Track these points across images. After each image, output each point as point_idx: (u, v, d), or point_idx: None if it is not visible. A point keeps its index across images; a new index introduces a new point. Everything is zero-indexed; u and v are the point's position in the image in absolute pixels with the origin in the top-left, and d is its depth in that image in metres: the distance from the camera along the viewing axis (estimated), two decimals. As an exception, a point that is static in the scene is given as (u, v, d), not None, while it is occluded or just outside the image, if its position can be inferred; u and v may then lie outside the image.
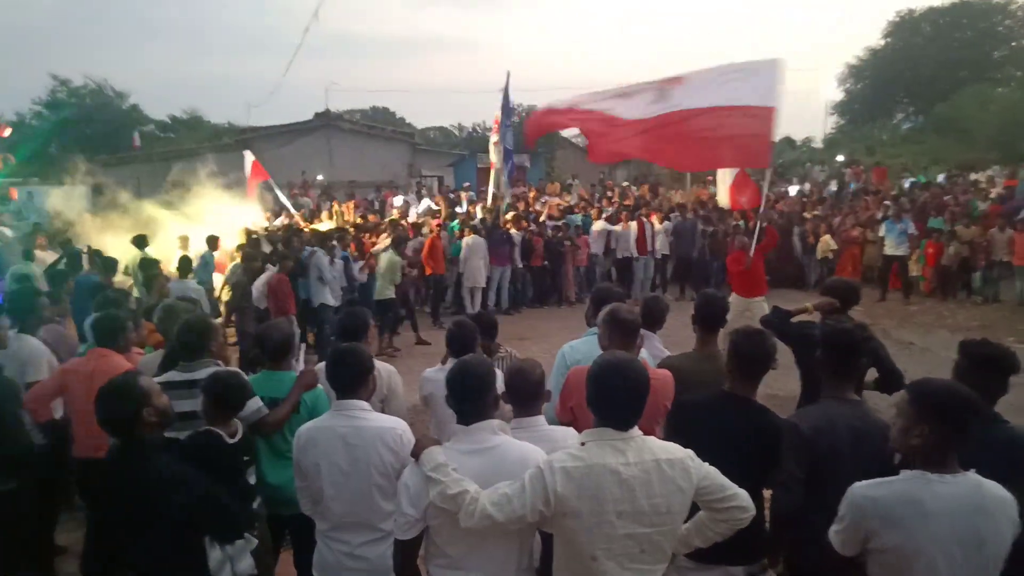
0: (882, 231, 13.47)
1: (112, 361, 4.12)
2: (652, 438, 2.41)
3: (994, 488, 2.26)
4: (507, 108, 13.91)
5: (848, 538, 2.37)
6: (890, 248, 13.19)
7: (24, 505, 3.99)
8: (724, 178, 11.60)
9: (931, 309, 12.54)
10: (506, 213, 13.99)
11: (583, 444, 2.37)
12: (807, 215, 15.81)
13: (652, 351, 4.07)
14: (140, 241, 10.41)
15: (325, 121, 24.13)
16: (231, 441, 3.25)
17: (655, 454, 2.32)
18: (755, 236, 8.53)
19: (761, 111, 6.07)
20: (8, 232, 12.20)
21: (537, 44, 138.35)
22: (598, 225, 14.34)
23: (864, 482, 2.34)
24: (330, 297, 10.01)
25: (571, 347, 3.92)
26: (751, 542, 2.79)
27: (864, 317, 4.49)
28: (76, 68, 67.69)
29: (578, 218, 14.97)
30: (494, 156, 14.12)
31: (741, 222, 13.31)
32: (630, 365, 2.41)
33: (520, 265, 13.41)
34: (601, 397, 2.37)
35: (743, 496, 2.39)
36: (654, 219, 14.49)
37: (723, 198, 12.07)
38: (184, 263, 8.79)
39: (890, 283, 13.40)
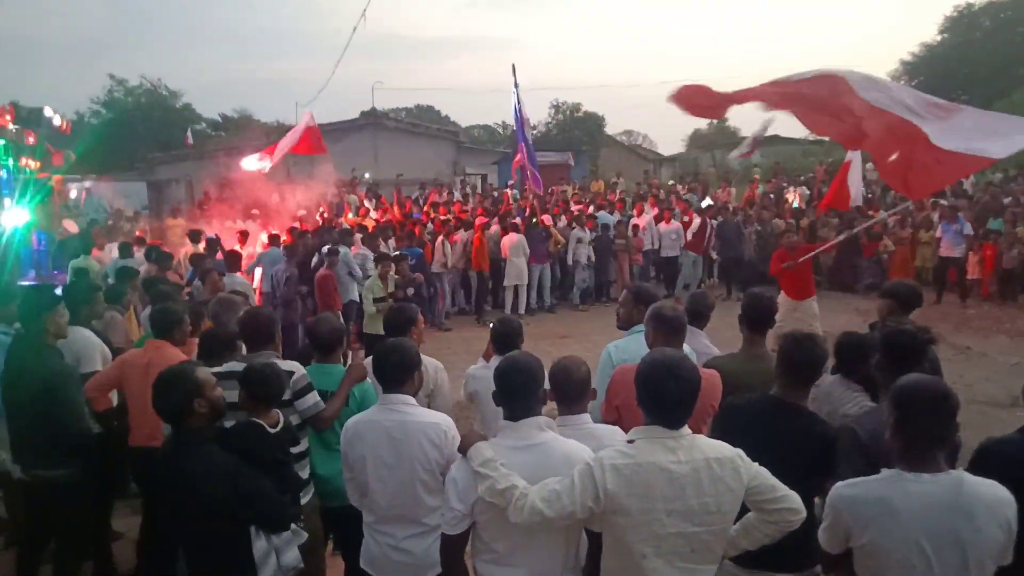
0: (938, 232, 13.07)
1: (167, 352, 4.23)
2: (702, 436, 2.39)
3: (982, 487, 2.20)
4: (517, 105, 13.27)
5: (831, 536, 2.38)
6: (946, 249, 12.79)
7: (82, 491, 4.11)
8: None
9: (989, 313, 12.10)
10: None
11: (632, 442, 2.35)
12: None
13: (698, 347, 4.03)
14: (195, 236, 10.68)
15: (371, 119, 24.43)
16: (272, 431, 3.29)
17: (705, 453, 2.30)
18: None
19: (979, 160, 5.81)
20: (71, 226, 12.61)
21: (578, 43, 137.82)
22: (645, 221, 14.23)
23: (844, 481, 2.35)
24: (356, 294, 10.08)
25: (616, 346, 3.90)
26: (802, 549, 2.73)
27: (919, 321, 4.36)
28: (132, 69, 69.67)
29: (609, 216, 14.72)
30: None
31: (785, 221, 13.11)
32: (681, 363, 2.38)
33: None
34: (651, 395, 2.35)
35: (793, 498, 2.35)
36: (695, 218, 14.30)
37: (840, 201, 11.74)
38: (232, 257, 8.98)
39: (946, 285, 13.01)
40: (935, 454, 2.23)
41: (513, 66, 13.03)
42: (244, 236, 11.51)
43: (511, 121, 15.97)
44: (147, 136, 30.46)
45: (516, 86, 12.98)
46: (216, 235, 11.19)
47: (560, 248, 13.33)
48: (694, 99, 7.31)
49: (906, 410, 2.24)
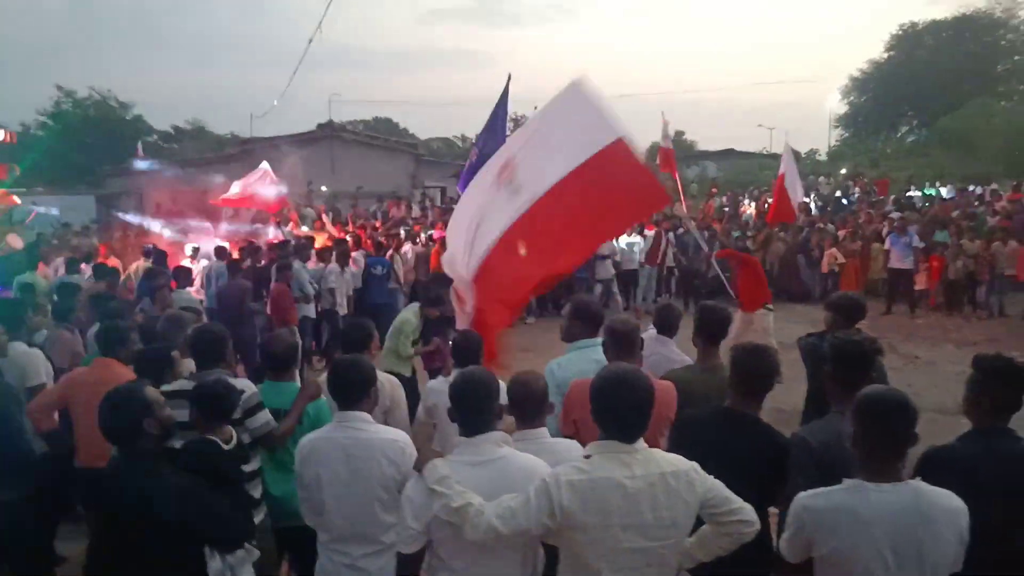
0: (887, 244, 13.44)
1: (116, 371, 4.12)
2: (657, 451, 2.39)
3: (938, 497, 2.26)
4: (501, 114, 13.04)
5: (793, 546, 2.41)
6: (896, 261, 13.15)
7: (24, 514, 3.96)
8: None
9: (937, 323, 12.48)
10: None
11: (588, 457, 2.35)
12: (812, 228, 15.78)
13: (671, 356, 4.05)
14: (147, 251, 10.43)
15: (328, 132, 24.25)
16: (226, 448, 3.22)
17: (660, 467, 2.31)
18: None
19: (612, 152, 4.51)
20: (16, 241, 12.22)
21: (539, 56, 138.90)
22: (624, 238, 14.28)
23: (807, 491, 2.38)
24: (311, 310, 10.08)
25: (559, 363, 3.82)
26: (757, 560, 2.75)
27: (869, 331, 4.49)
28: (81, 79, 68.04)
29: None
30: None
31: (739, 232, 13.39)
32: (634, 377, 2.39)
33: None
34: (606, 410, 2.35)
35: (748, 510, 2.37)
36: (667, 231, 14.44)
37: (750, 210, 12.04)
38: (183, 273, 8.78)
39: (895, 296, 13.36)
40: (895, 464, 2.28)
41: (509, 76, 12.71)
42: (196, 252, 11.27)
43: (470, 133, 15.77)
44: (96, 149, 29.75)
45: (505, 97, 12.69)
46: (154, 246, 10.96)
47: None
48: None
49: (869, 421, 2.29)
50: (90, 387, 4.00)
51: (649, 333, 4.35)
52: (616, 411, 2.33)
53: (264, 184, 13.38)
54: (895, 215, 14.96)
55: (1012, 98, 32.69)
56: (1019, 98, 31.72)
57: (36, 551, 4.27)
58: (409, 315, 6.13)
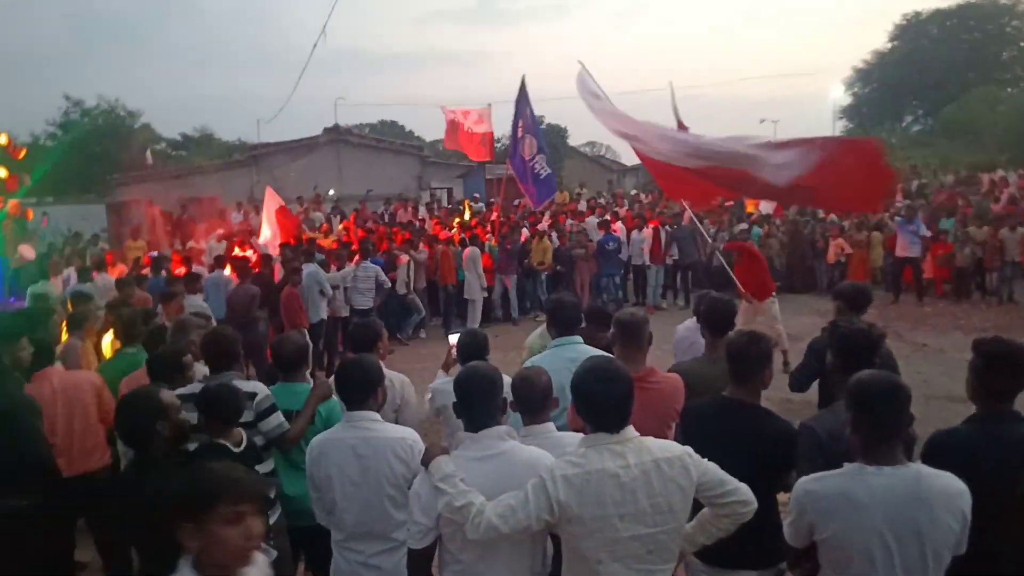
0: (895, 231, 13.36)
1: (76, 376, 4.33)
2: (650, 438, 2.42)
3: (938, 479, 2.29)
4: (525, 114, 12.70)
5: (796, 530, 2.45)
6: (902, 249, 13.10)
7: (44, 520, 4.01)
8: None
9: (945, 311, 12.45)
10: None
11: (582, 451, 2.39)
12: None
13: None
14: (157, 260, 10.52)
15: (334, 136, 24.28)
16: (236, 451, 3.27)
17: (653, 454, 2.35)
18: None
19: (867, 144, 5.86)
20: (28, 252, 12.33)
21: (542, 56, 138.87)
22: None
23: (808, 476, 2.43)
24: (324, 312, 10.14)
25: (531, 363, 3.63)
26: (767, 546, 2.79)
27: (877, 320, 4.53)
28: (88, 89, 68.38)
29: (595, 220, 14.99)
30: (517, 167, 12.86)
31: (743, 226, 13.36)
32: (610, 367, 2.45)
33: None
34: (587, 403, 2.41)
35: (744, 490, 2.41)
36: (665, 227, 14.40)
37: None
38: (192, 279, 8.87)
39: (903, 285, 13.33)
40: (892, 446, 2.32)
41: (523, 77, 12.60)
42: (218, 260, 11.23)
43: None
44: (105, 157, 29.92)
45: (523, 98, 12.54)
46: (158, 253, 11.06)
47: (548, 265, 13.37)
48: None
49: (861, 405, 2.33)
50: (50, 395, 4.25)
51: (686, 324, 4.62)
52: (596, 402, 2.38)
53: (275, 209, 13.17)
54: (900, 203, 14.90)
55: (1018, 85, 32.48)
56: (1025, 85, 31.54)
57: (56, 557, 4.32)
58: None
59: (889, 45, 38.79)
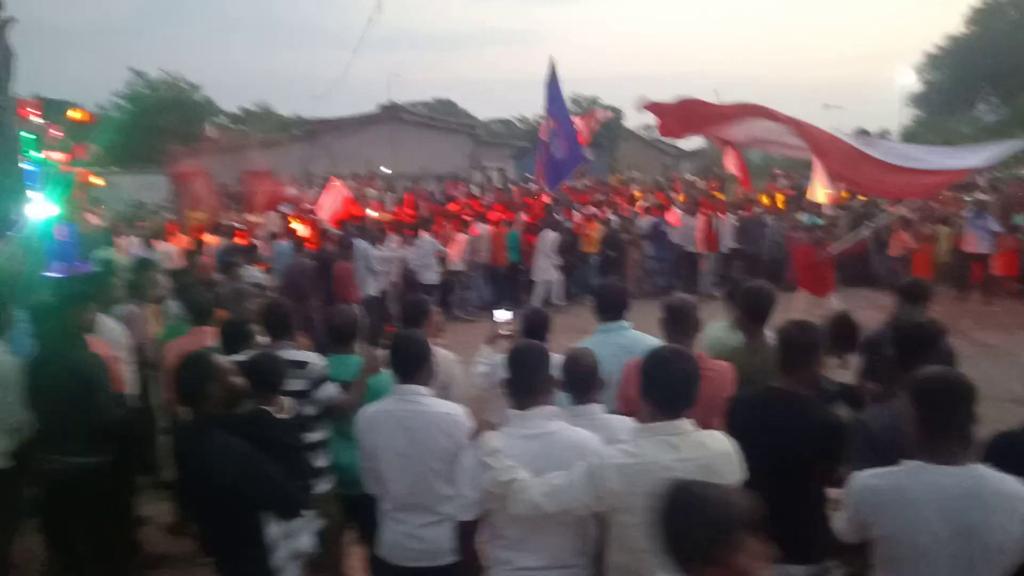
0: (965, 225, 12.86)
1: (208, 338, 4.33)
2: (706, 432, 2.43)
3: (1001, 482, 2.21)
4: (558, 101, 12.69)
5: (850, 525, 2.41)
6: (971, 245, 12.60)
7: (109, 477, 4.17)
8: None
9: (1014, 310, 11.93)
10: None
11: (637, 441, 2.39)
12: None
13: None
14: (218, 228, 10.80)
15: (390, 113, 24.46)
16: (279, 417, 3.33)
17: (708, 449, 2.35)
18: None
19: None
20: (94, 219, 12.76)
21: (596, 36, 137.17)
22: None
23: (866, 471, 2.37)
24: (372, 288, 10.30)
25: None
26: (814, 541, 2.74)
27: (941, 317, 4.34)
28: (153, 62, 70.28)
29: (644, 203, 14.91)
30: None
31: (805, 216, 12.95)
32: (676, 355, 2.45)
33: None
34: (652, 386, 2.41)
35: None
36: (717, 214, 14.12)
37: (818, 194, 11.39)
38: (250, 250, 9.05)
39: (970, 282, 12.82)
40: (954, 445, 2.24)
41: (551, 59, 12.52)
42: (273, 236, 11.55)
43: (529, 115, 15.86)
44: (168, 129, 30.76)
45: (554, 80, 12.50)
46: (228, 224, 11.37)
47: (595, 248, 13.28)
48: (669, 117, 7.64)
49: (924, 401, 2.27)
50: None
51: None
52: (662, 386, 2.39)
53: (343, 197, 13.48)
54: (968, 198, 14.29)
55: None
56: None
57: (119, 513, 4.50)
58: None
59: (964, 29, 37.24)
